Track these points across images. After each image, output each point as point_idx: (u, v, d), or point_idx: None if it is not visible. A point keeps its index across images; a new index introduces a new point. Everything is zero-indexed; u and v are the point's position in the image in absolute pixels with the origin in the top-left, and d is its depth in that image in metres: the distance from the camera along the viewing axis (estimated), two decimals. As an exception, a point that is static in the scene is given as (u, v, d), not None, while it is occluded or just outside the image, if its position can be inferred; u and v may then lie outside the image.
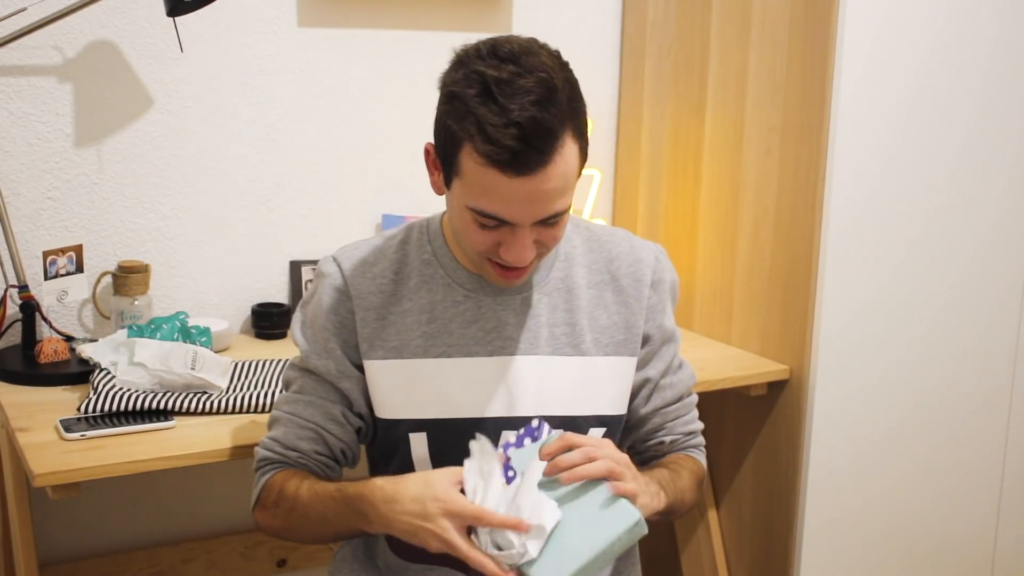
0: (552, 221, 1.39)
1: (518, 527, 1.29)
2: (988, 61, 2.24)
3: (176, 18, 2.02)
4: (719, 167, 2.34)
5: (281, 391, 1.59)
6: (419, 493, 1.33)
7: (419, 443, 1.51)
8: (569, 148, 1.34)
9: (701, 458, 1.69)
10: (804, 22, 2.10)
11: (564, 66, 1.37)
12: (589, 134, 1.41)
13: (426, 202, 2.38)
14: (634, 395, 1.61)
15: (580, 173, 1.41)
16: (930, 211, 2.24)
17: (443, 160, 1.40)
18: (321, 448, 1.52)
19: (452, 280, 1.52)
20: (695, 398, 1.69)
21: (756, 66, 2.22)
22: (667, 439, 1.64)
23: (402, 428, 1.51)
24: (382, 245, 1.56)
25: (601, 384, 1.54)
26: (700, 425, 1.69)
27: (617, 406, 1.57)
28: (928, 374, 2.31)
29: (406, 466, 1.51)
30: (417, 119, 2.09)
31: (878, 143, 2.14)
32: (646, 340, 1.59)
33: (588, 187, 2.57)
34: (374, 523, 1.38)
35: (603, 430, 1.54)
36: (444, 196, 1.45)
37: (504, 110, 1.29)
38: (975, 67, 2.23)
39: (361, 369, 1.53)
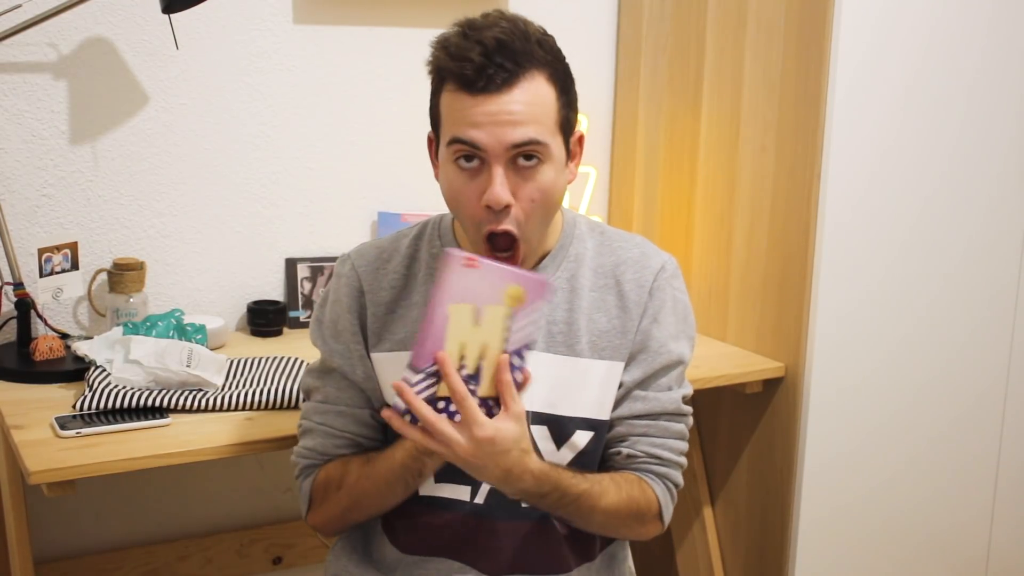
0: (524, 160, 1.39)
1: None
2: (981, 60, 2.24)
3: (171, 15, 2.01)
4: (715, 164, 2.34)
5: (303, 399, 1.60)
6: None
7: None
8: (540, 84, 1.39)
9: (657, 488, 1.54)
10: (799, 20, 2.11)
11: (550, 37, 1.43)
12: (584, 129, 1.41)
13: (422, 199, 2.39)
14: None
15: (564, 126, 1.43)
16: (924, 208, 2.25)
17: (432, 122, 1.44)
18: (358, 451, 1.55)
19: None
20: (679, 429, 1.56)
21: (751, 64, 2.22)
22: (625, 451, 1.53)
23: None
24: (396, 242, 1.58)
25: (590, 387, 1.53)
26: (680, 459, 1.56)
27: (605, 410, 1.54)
28: (923, 371, 2.32)
29: None
30: (413, 116, 2.08)
31: (873, 140, 2.14)
32: (632, 344, 1.55)
33: (584, 185, 2.57)
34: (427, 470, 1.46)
35: (591, 434, 1.52)
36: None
37: (472, 39, 1.37)
38: (968, 65, 2.23)
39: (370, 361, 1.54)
